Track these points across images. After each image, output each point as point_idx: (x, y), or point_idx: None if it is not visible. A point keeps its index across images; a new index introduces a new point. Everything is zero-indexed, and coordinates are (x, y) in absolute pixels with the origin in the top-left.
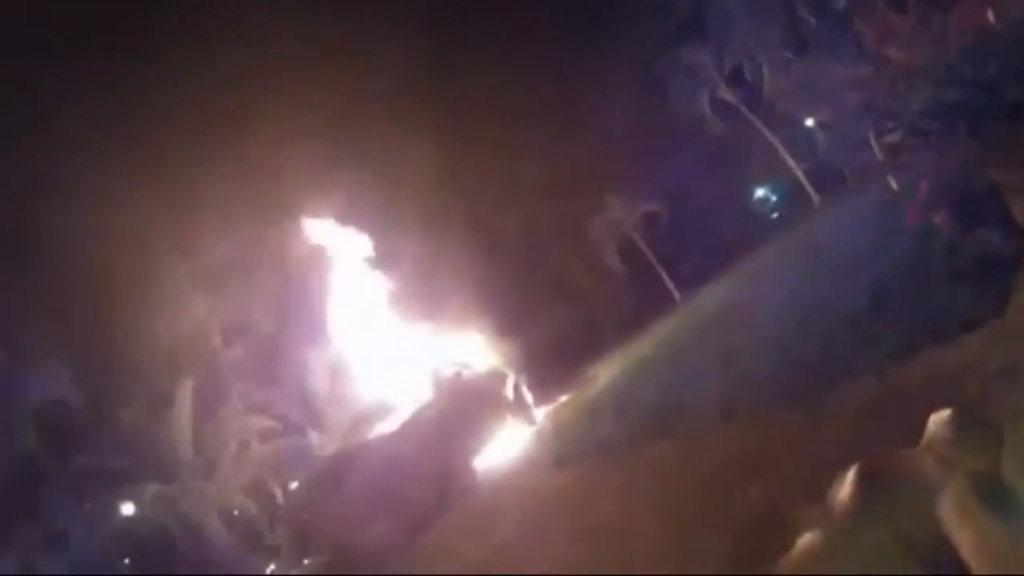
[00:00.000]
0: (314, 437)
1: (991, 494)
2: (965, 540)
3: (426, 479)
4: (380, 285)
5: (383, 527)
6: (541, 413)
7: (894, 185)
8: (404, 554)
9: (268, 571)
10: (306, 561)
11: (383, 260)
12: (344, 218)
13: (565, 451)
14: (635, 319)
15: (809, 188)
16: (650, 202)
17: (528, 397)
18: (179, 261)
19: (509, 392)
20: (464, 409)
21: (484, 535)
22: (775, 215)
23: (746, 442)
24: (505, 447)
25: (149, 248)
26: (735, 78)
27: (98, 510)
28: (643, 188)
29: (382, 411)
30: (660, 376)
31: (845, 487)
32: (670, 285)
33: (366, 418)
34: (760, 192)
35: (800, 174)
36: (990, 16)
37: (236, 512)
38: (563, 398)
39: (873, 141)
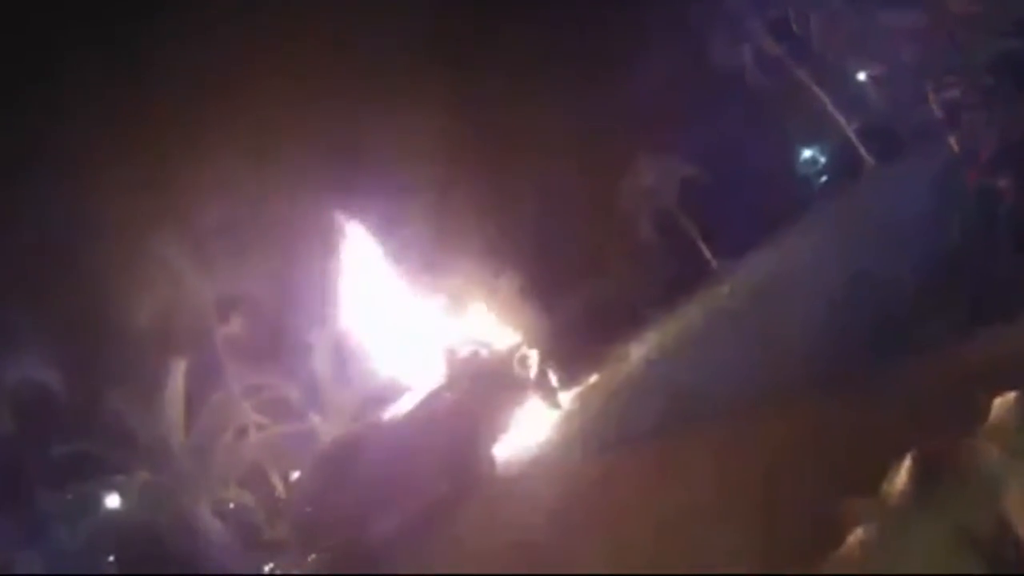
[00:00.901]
0: (318, 422)
1: None
2: None
3: (441, 468)
4: (391, 256)
5: (393, 520)
6: (567, 396)
7: (953, 146)
8: (416, 550)
9: (267, 569)
10: (310, 558)
11: (394, 229)
12: (351, 182)
13: (593, 437)
14: (669, 293)
15: (860, 149)
16: (686, 165)
17: (552, 378)
18: (169, 230)
19: (531, 373)
20: (482, 391)
21: (504, 529)
22: (822, 179)
23: (790, 428)
24: (527, 433)
25: (136, 217)
26: (780, 28)
27: (80, 502)
28: (678, 150)
29: (392, 393)
30: (697, 355)
31: (900, 478)
32: (707, 255)
33: (375, 401)
34: (806, 154)
35: (850, 134)
36: None
37: (232, 505)
38: (591, 379)
39: (931, 98)
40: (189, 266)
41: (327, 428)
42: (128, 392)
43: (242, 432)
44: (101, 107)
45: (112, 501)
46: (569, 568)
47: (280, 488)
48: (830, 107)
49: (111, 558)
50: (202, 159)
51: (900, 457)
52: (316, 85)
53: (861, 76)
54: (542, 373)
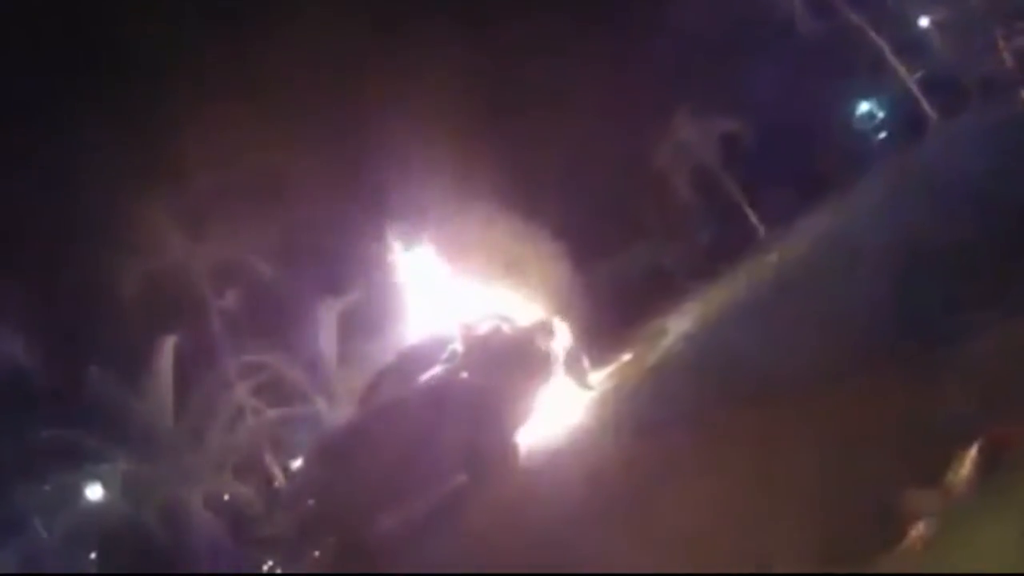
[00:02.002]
0: (322, 406)
1: None
2: None
3: (457, 457)
4: (405, 222)
5: (404, 515)
6: (598, 376)
7: None
8: (429, 547)
9: (265, 568)
10: (312, 556)
11: (409, 190)
12: (363, 139)
13: (627, 422)
14: (711, 262)
15: (923, 102)
16: (729, 121)
17: (582, 356)
18: (157, 192)
19: (559, 351)
20: (504, 371)
21: (527, 525)
22: (881, 135)
23: (845, 412)
24: (554, 417)
25: (120, 178)
26: None
27: (58, 493)
28: (721, 103)
29: (404, 373)
30: (741, 331)
31: (965, 467)
32: (753, 220)
33: (385, 382)
34: (864, 108)
35: (912, 86)
36: None
37: (226, 496)
38: (624, 357)
39: (1000, 45)
40: (180, 231)
41: (332, 412)
42: (111, 373)
43: (238, 416)
44: (81, 52)
45: (94, 492)
46: (600, 568)
47: (279, 478)
48: (889, 56)
49: (92, 555)
50: (195, 111)
51: (966, 445)
52: (325, 36)
53: (923, 21)
54: (571, 351)
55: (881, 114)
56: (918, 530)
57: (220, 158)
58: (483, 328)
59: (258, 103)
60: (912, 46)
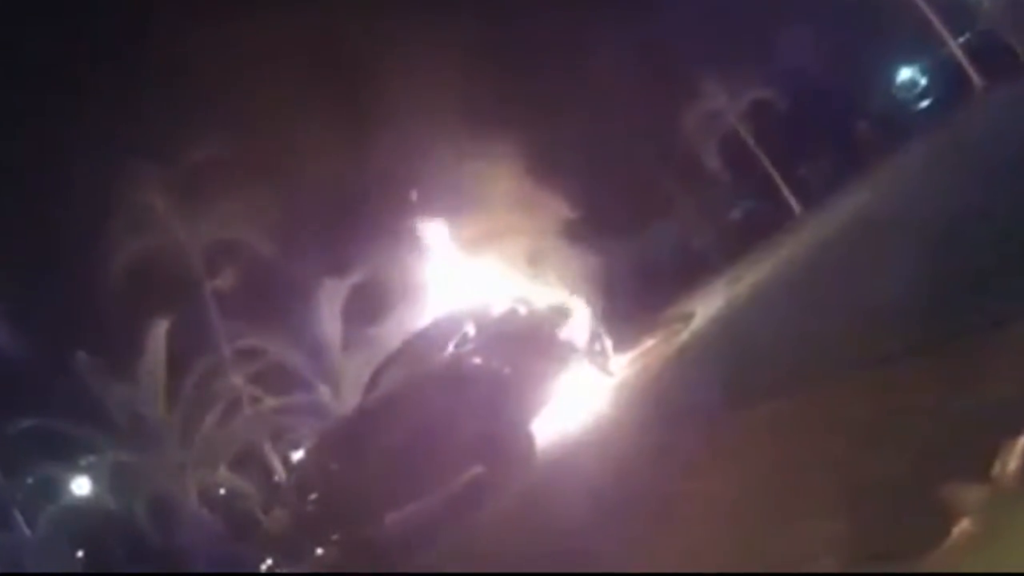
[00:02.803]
0: (324, 394)
1: None
2: None
3: (469, 448)
4: (416, 196)
5: (413, 510)
6: (620, 362)
7: None
8: (439, 545)
9: (264, 567)
10: (317, 554)
11: (420, 164)
12: (370, 107)
13: (651, 411)
14: (741, 239)
15: (968, 68)
16: (761, 87)
17: (603, 340)
18: (149, 166)
19: (579, 334)
20: (520, 357)
21: (545, 520)
22: (923, 104)
23: (885, 400)
24: (573, 406)
25: (110, 151)
26: None
27: (42, 487)
28: (752, 68)
29: (413, 359)
30: (773, 315)
31: (1013, 460)
32: (786, 195)
33: (392, 368)
34: (905, 74)
35: (957, 50)
36: None
37: (222, 491)
38: (649, 342)
39: None
40: (173, 206)
41: (335, 401)
42: (99, 358)
43: (235, 406)
44: (69, 18)
45: (80, 486)
46: (622, 567)
47: (279, 472)
48: (933, 18)
49: (79, 554)
50: (188, 79)
51: (1014, 435)
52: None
53: None
54: (591, 335)
55: (923, 81)
56: (963, 527)
57: (216, 129)
58: (498, 310)
59: (256, 69)
60: (957, 8)
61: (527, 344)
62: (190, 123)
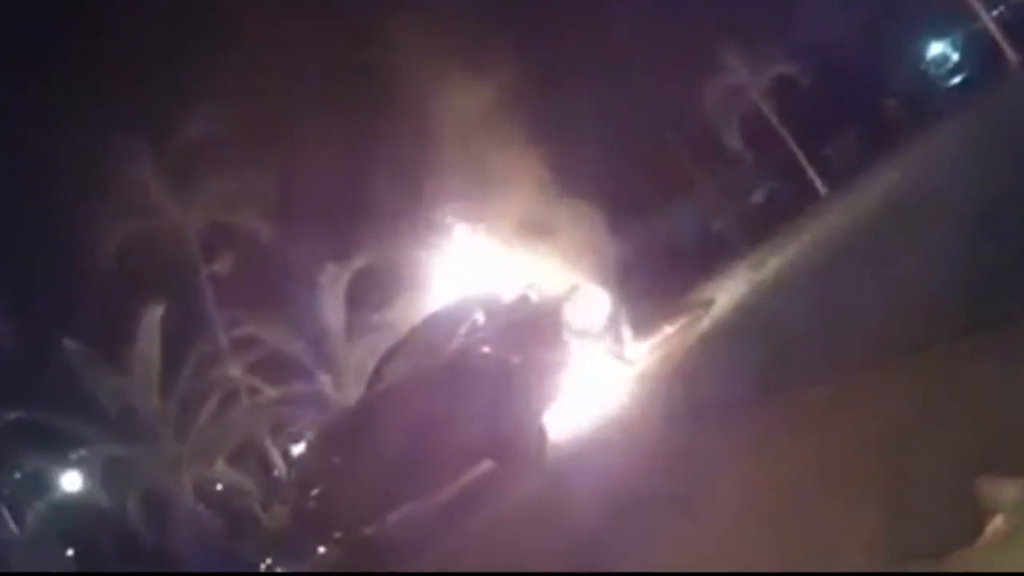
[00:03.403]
0: (327, 384)
1: None
2: None
3: (478, 443)
4: (422, 175)
5: (418, 506)
6: (638, 350)
7: None
8: (446, 544)
9: (263, 567)
10: (318, 553)
11: (427, 141)
12: (374, 81)
13: (672, 403)
14: (764, 222)
15: (1002, 42)
16: (784, 62)
17: (620, 327)
18: (143, 145)
19: (595, 322)
20: (532, 344)
21: (558, 519)
22: (955, 80)
23: (917, 390)
24: (588, 398)
25: (102, 130)
26: None
27: (30, 482)
28: (775, 42)
29: (419, 348)
30: (799, 301)
31: None
32: (812, 175)
33: (398, 358)
34: (935, 49)
35: (990, 23)
36: None
37: (219, 487)
38: (668, 330)
39: None
40: (167, 187)
41: (338, 392)
42: (91, 346)
43: (232, 397)
44: None
45: (70, 481)
46: (640, 568)
47: (279, 467)
48: None
49: (69, 552)
50: (183, 50)
51: None
52: None
53: None
54: (607, 322)
55: (955, 57)
56: (996, 524)
57: (213, 104)
58: (508, 297)
59: (255, 40)
60: None
61: (539, 333)
62: (185, 98)
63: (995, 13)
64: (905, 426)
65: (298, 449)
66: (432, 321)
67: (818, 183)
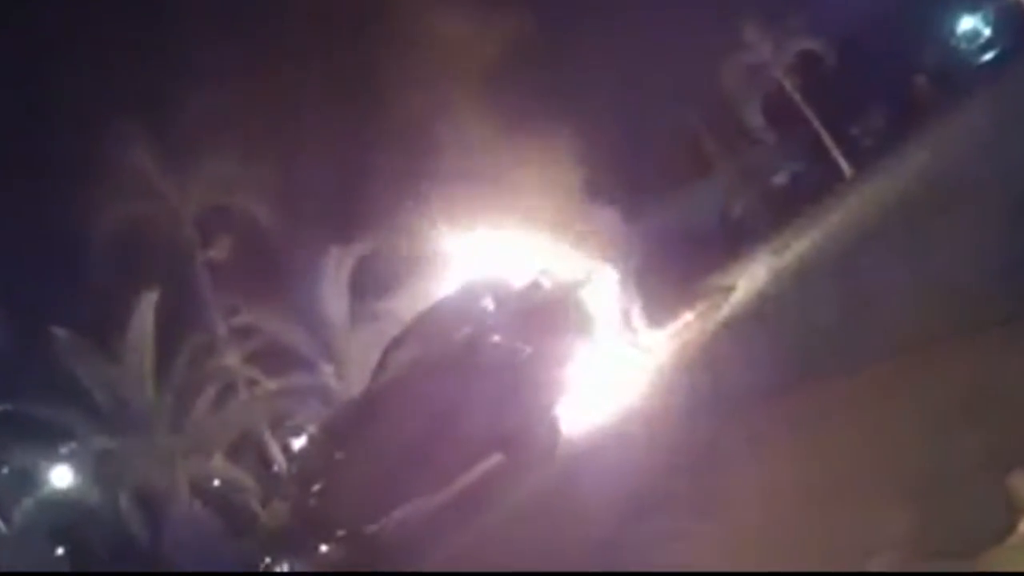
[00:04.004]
0: (329, 375)
1: None
2: None
3: (488, 436)
4: (427, 155)
5: (427, 503)
6: (655, 339)
7: None
8: (454, 543)
9: (263, 567)
10: (320, 551)
11: (434, 118)
12: (380, 57)
13: (689, 395)
14: (787, 204)
15: None
16: (809, 37)
17: (637, 317)
18: (136, 123)
19: (610, 309)
20: (544, 333)
21: (571, 518)
22: (987, 56)
23: (947, 384)
24: (602, 389)
25: (93, 109)
26: None
27: (18, 478)
28: (800, 17)
29: (426, 337)
30: (824, 286)
31: None
32: (838, 155)
33: (403, 347)
34: (966, 23)
35: None
36: None
37: (216, 482)
38: (687, 317)
39: None
40: (161, 167)
41: (341, 383)
42: (82, 335)
43: (230, 388)
44: None
45: (60, 477)
46: (657, 568)
47: (279, 461)
48: None
49: (59, 551)
50: (179, 24)
51: None
52: None
53: None
54: (623, 310)
55: (987, 31)
56: None
57: (210, 80)
58: (519, 283)
59: (255, 14)
60: None
61: (552, 320)
62: (181, 73)
63: None
64: (935, 420)
65: (299, 443)
66: (439, 309)
67: (844, 164)
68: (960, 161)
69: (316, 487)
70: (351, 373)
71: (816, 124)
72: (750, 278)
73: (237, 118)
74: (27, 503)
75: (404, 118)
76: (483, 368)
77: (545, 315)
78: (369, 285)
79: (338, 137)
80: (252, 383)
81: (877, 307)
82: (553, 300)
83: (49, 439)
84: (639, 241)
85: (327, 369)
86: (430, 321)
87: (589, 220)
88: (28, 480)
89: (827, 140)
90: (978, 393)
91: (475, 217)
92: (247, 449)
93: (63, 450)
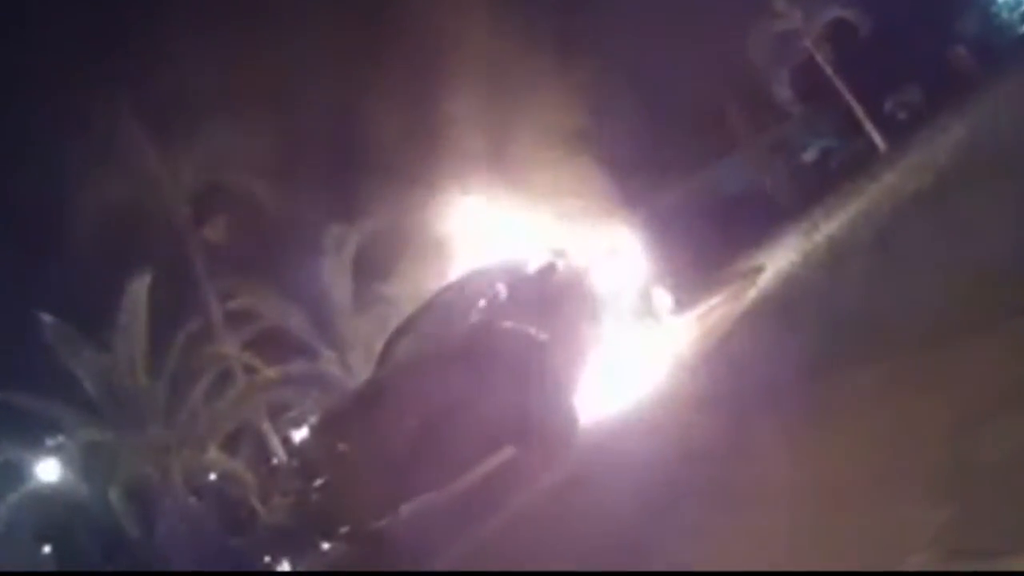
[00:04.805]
0: (332, 362)
1: None
2: None
3: (500, 427)
4: (436, 129)
5: (434, 498)
6: (679, 323)
7: None
8: (465, 540)
9: (261, 566)
10: (322, 549)
11: (442, 89)
12: (385, 27)
13: (716, 382)
14: (819, 181)
15: None
16: (842, 5)
17: (661, 300)
18: (127, 95)
19: (630, 292)
20: (559, 318)
21: (590, 513)
22: None
23: (985, 373)
24: (623, 376)
25: (81, 80)
26: None
27: (3, 471)
28: None
29: (435, 322)
30: (857, 268)
31: None
32: (870, 129)
33: (410, 333)
34: None
35: None
36: None
37: (213, 476)
38: (712, 301)
39: None
40: (154, 143)
41: (344, 371)
42: (69, 319)
43: (227, 376)
44: None
45: (46, 470)
46: (680, 567)
47: (279, 454)
48: None
49: (46, 548)
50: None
51: None
52: None
53: None
54: (644, 293)
55: None
56: None
57: (205, 49)
58: (533, 265)
59: None
60: None
61: (568, 305)
62: (174, 43)
63: None
64: (970, 412)
65: (300, 435)
66: (448, 292)
67: (878, 139)
68: (1000, 136)
69: (318, 481)
70: (354, 360)
71: (848, 97)
72: (778, 260)
73: (232, 88)
74: (12, 498)
75: (414, 88)
76: (495, 355)
77: (561, 299)
78: (373, 267)
79: (340, 109)
80: (250, 371)
81: (912, 290)
82: (569, 283)
83: (35, 431)
84: (661, 220)
85: (329, 356)
86: (438, 306)
87: (607, 198)
88: (13, 474)
89: (860, 114)
90: (1017, 385)
91: (487, 195)
92: (245, 441)
93: (50, 442)
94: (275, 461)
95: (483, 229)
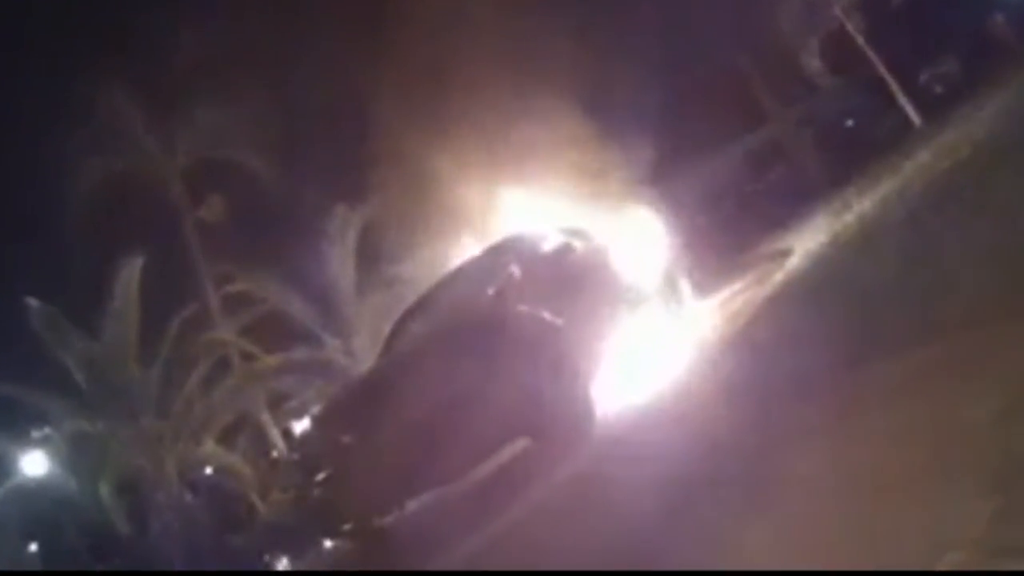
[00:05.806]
0: (335, 349)
1: None
2: None
3: (513, 418)
4: (445, 104)
5: (443, 493)
6: (701, 309)
7: None
8: (475, 536)
9: (261, 565)
10: (324, 547)
11: (456, 62)
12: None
13: (739, 370)
14: (849, 159)
15: None
16: None
17: (682, 283)
18: (119, 68)
19: (651, 275)
20: (576, 302)
21: (606, 505)
22: None
23: None
24: (642, 365)
25: (71, 53)
26: None
27: None
28: None
29: (445, 307)
30: (890, 251)
31: None
32: (905, 104)
33: (419, 318)
34: None
35: None
36: None
37: (209, 470)
38: (737, 285)
39: None
40: (148, 121)
41: (348, 359)
42: (58, 305)
43: (224, 364)
44: None
45: (33, 464)
46: (702, 566)
47: (279, 447)
48: None
49: (32, 546)
50: None
51: None
52: None
53: None
54: (665, 276)
55: None
56: None
57: (201, 21)
58: (549, 245)
59: None
60: None
61: (586, 288)
62: (169, 13)
63: None
64: (1014, 400)
65: (301, 426)
66: (458, 275)
67: (913, 114)
68: None
69: (320, 476)
70: (359, 347)
71: (881, 69)
72: (807, 242)
73: (231, 61)
74: None
75: (422, 60)
76: (508, 342)
77: (578, 282)
78: (380, 248)
79: (346, 82)
80: (248, 358)
81: (949, 273)
82: (587, 265)
83: (21, 422)
84: (684, 199)
85: (332, 343)
86: (448, 289)
87: (629, 176)
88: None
89: (893, 87)
90: None
91: (500, 171)
92: (243, 433)
93: (36, 434)
94: (275, 454)
95: (497, 209)
